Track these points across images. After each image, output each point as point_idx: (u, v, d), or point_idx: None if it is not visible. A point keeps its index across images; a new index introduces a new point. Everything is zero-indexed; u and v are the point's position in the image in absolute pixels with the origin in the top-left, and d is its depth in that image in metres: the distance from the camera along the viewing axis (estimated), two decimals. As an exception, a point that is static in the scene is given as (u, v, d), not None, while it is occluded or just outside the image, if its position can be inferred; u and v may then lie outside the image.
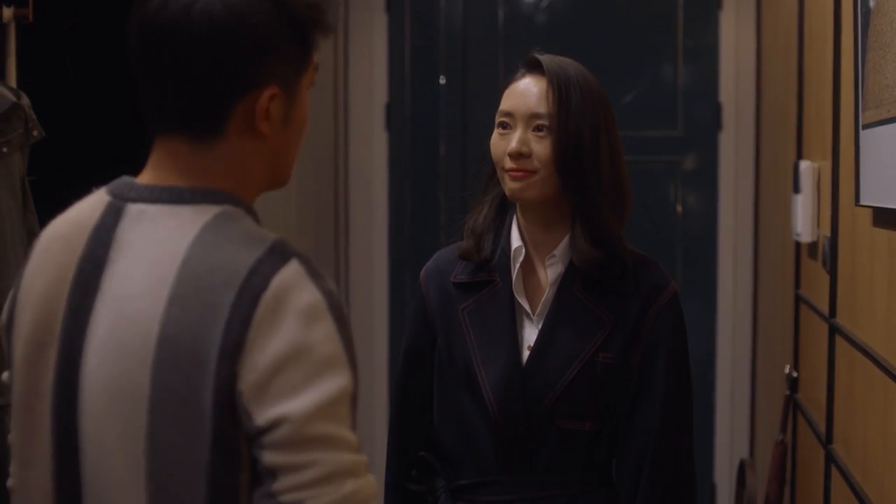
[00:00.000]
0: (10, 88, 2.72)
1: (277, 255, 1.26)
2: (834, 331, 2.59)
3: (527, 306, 2.00)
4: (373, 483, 1.26)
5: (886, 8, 2.00)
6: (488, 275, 2.02)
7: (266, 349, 1.21)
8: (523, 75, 2.01)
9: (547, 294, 1.99)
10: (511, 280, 2.00)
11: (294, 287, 1.24)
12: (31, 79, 2.93)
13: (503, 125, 1.98)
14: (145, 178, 1.35)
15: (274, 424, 1.20)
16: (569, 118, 1.92)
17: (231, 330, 1.21)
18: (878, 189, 2.07)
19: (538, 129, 1.94)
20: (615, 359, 1.96)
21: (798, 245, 3.18)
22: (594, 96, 1.97)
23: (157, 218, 1.30)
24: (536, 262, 2.02)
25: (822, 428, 2.70)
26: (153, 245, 1.28)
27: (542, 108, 1.94)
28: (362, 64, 4.53)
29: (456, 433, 2.04)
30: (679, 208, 4.47)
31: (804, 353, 3.14)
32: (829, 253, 2.65)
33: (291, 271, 1.25)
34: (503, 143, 1.97)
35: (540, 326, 1.98)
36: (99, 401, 1.26)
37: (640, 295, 1.97)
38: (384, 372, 4.62)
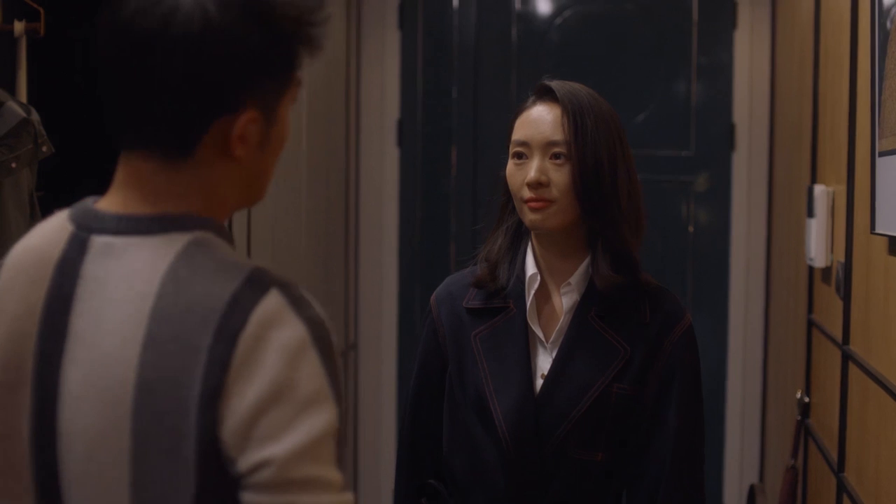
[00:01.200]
0: (20, 104, 2.71)
1: (255, 286, 1.18)
2: (847, 358, 2.56)
3: (541, 334, 1.98)
4: None
5: (904, 35, 1.98)
6: (502, 301, 1.99)
7: (247, 392, 1.14)
8: (534, 103, 1.98)
9: (562, 322, 1.96)
10: (525, 307, 1.97)
11: (275, 322, 1.16)
12: (41, 93, 2.92)
13: (519, 155, 1.95)
14: (109, 203, 1.26)
15: (257, 467, 1.14)
16: (586, 144, 1.90)
17: (210, 374, 1.14)
18: (894, 218, 2.04)
19: (556, 157, 1.91)
20: (629, 390, 1.93)
21: (811, 269, 3.15)
22: (608, 120, 1.94)
23: (124, 252, 1.21)
24: (552, 289, 2.00)
25: (834, 455, 2.67)
26: (123, 282, 1.20)
27: (558, 136, 1.91)
28: (374, 80, 4.52)
29: (466, 460, 2.01)
30: (691, 228, 4.44)
31: (816, 379, 3.11)
32: (842, 279, 2.62)
33: (271, 304, 1.17)
34: (520, 174, 1.93)
35: (554, 355, 1.95)
36: (80, 449, 1.19)
37: (656, 325, 1.95)
38: (392, 388, 4.60)
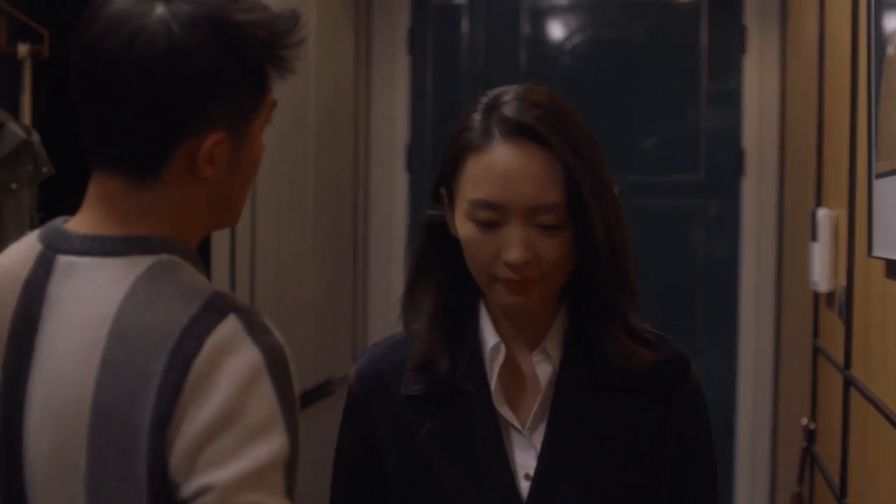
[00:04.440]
0: (22, 126, 2.73)
1: (213, 311, 1.16)
2: (848, 383, 2.53)
3: (514, 420, 1.50)
4: None
5: (899, 56, 1.97)
6: (455, 383, 1.50)
7: (196, 418, 1.13)
8: (504, 141, 1.42)
9: (540, 400, 1.49)
10: (489, 387, 1.49)
11: (229, 348, 1.15)
12: (46, 114, 2.94)
13: (488, 223, 1.42)
14: (78, 223, 1.25)
15: (199, 493, 1.12)
16: (589, 203, 1.41)
17: (162, 399, 1.13)
18: (891, 241, 2.02)
19: (546, 227, 1.41)
20: (641, 478, 1.49)
21: (816, 294, 3.13)
22: (593, 146, 1.46)
23: (86, 273, 1.20)
24: (519, 356, 1.52)
25: (837, 482, 2.64)
26: (83, 304, 1.19)
27: (549, 198, 1.40)
28: (384, 105, 4.52)
29: None
30: (700, 254, 4.42)
31: (821, 405, 3.08)
32: (844, 303, 2.60)
33: (227, 330, 1.15)
34: (490, 245, 1.42)
35: (539, 447, 1.49)
36: (42, 471, 1.19)
37: (660, 385, 1.51)
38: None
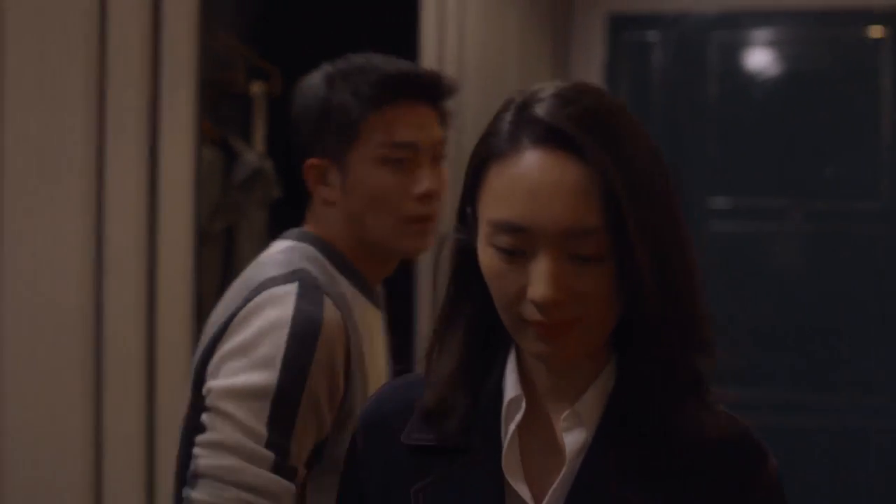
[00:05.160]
0: (256, 154, 3.11)
1: (288, 277, 1.53)
2: None
3: (527, 495, 1.16)
4: (264, 478, 1.38)
5: None
6: (460, 437, 1.19)
7: (227, 343, 1.49)
8: (531, 147, 1.08)
9: (563, 475, 1.15)
10: (500, 448, 1.17)
11: (275, 301, 1.49)
12: (279, 142, 3.31)
13: (509, 251, 1.09)
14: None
15: (207, 393, 1.48)
16: (638, 227, 1.07)
17: (219, 326, 1.53)
18: None
19: (583, 259, 1.08)
20: None
21: None
22: (650, 155, 1.12)
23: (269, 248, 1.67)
24: (544, 418, 1.19)
25: None
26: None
27: (587, 221, 1.06)
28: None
29: None
30: (881, 280, 4.50)
31: None
32: None
33: (283, 290, 1.50)
34: (515, 279, 1.10)
35: None
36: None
37: (721, 479, 1.14)
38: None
